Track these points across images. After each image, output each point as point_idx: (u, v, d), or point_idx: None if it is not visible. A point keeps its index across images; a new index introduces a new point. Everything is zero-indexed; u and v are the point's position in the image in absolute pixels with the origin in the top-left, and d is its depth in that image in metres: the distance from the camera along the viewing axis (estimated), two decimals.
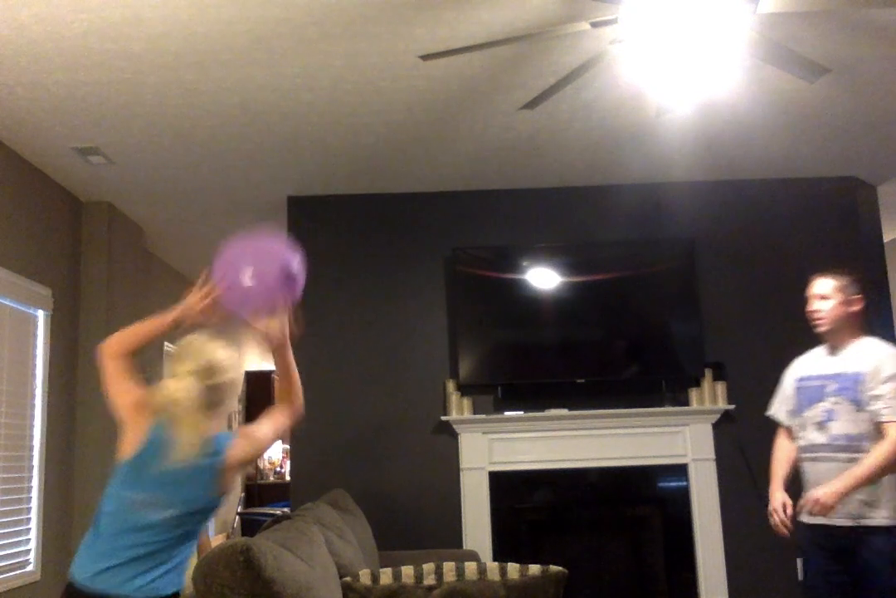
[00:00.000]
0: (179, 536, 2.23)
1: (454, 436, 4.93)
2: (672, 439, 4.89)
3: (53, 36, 3.25)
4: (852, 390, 2.88)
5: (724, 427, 4.91)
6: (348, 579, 2.66)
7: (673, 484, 4.90)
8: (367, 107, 3.98)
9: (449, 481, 4.90)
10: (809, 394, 3.00)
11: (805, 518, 3.00)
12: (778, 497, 3.11)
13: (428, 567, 2.70)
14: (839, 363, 2.98)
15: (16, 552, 4.30)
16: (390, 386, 5.02)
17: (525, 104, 3.55)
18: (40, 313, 4.65)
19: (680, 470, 4.89)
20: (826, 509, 2.76)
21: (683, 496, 4.87)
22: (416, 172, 4.92)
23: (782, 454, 3.22)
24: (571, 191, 5.23)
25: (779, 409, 3.27)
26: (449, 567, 2.69)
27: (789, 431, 3.22)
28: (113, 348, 2.49)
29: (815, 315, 3.01)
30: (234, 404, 2.46)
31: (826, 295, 3.00)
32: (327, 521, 3.20)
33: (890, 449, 2.79)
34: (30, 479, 4.46)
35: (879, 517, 2.84)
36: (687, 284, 4.98)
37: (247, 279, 2.41)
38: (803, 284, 5.06)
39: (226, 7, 3.09)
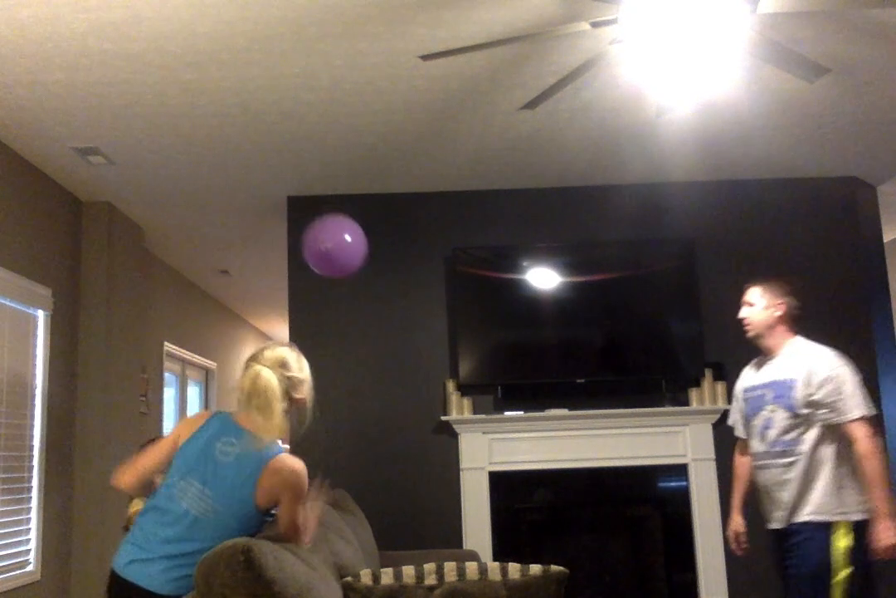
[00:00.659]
0: (214, 544, 2.26)
1: (454, 436, 4.93)
2: (672, 439, 4.89)
3: (53, 36, 3.25)
4: (786, 397, 2.93)
5: (724, 427, 4.88)
6: (349, 579, 2.66)
7: (673, 484, 4.90)
8: (367, 107, 3.98)
9: (449, 481, 4.90)
10: (753, 404, 3.06)
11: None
12: (732, 525, 3.25)
13: (429, 567, 2.70)
14: (773, 371, 3.04)
15: (16, 552, 4.30)
16: (390, 386, 5.02)
17: (525, 104, 3.55)
18: (40, 313, 4.65)
19: (680, 470, 4.89)
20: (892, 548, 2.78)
21: (683, 496, 4.87)
22: (415, 172, 4.92)
23: (740, 471, 3.29)
24: (571, 191, 5.23)
25: (736, 420, 3.32)
26: (450, 567, 2.69)
27: (745, 443, 3.26)
28: (125, 487, 2.53)
29: (743, 321, 3.11)
30: (306, 404, 2.56)
31: (751, 302, 3.10)
32: (327, 521, 3.20)
33: (869, 448, 2.84)
34: (30, 479, 4.46)
35: (804, 514, 2.94)
36: (687, 284, 4.98)
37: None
38: (803, 284, 5.08)
39: (226, 7, 3.09)
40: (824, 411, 2.89)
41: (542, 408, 4.91)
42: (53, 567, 4.63)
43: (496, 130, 4.32)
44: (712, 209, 5.19)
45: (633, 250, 5.06)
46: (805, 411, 2.91)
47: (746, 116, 4.22)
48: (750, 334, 3.08)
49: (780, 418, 2.93)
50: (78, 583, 4.79)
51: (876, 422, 2.93)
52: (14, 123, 4.04)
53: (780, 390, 2.95)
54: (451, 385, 4.92)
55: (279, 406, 2.48)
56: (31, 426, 4.52)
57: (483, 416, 4.87)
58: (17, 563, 4.29)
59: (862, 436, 2.84)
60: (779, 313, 3.07)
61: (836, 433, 2.90)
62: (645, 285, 4.99)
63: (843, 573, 2.82)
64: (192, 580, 2.18)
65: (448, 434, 4.94)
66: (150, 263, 6.43)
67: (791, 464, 2.91)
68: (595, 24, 2.83)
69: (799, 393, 2.91)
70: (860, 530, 2.85)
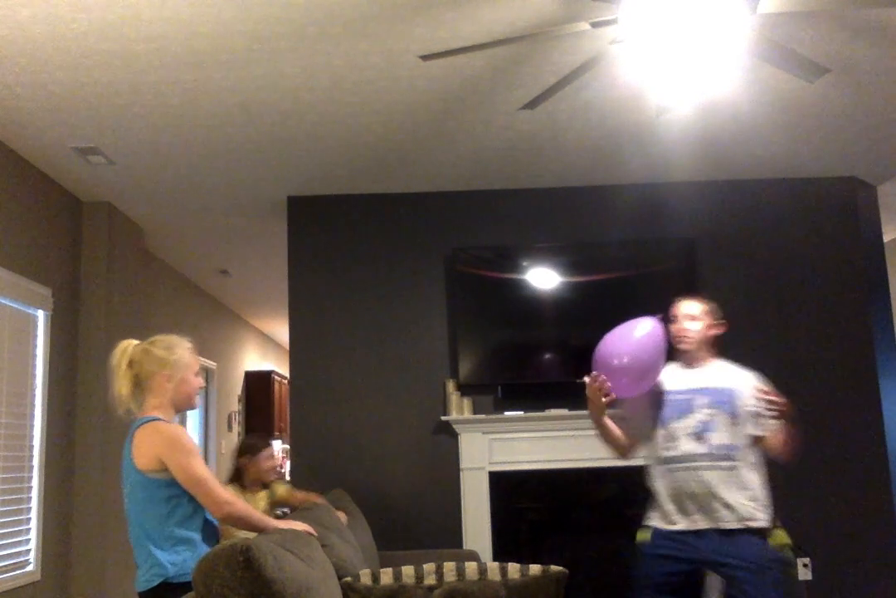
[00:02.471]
0: (138, 534, 2.53)
1: (454, 436, 4.93)
2: None
3: (53, 36, 3.25)
4: (728, 404, 3.05)
5: None
6: (349, 579, 2.66)
7: None
8: (367, 107, 3.99)
9: (449, 481, 4.90)
10: (676, 406, 3.12)
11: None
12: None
13: (428, 567, 2.70)
14: (703, 379, 3.12)
15: (16, 552, 4.30)
16: (390, 386, 5.02)
17: (525, 104, 3.55)
18: (40, 313, 4.65)
19: None
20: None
21: None
22: (415, 172, 4.92)
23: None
24: (571, 191, 5.23)
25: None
26: (449, 567, 2.69)
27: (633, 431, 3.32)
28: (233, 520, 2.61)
29: (683, 334, 3.16)
30: (167, 381, 2.68)
31: (695, 316, 3.17)
32: (327, 521, 3.20)
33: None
34: (30, 479, 4.46)
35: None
36: (687, 284, 4.98)
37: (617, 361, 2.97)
38: (803, 284, 5.09)
39: (226, 7, 3.09)
40: (764, 421, 3.03)
41: (542, 408, 4.91)
42: (53, 567, 4.63)
43: (496, 130, 4.32)
44: (712, 209, 5.19)
45: (633, 250, 5.06)
46: (759, 422, 3.06)
47: (746, 116, 4.22)
48: (687, 348, 3.16)
49: (722, 422, 3.04)
50: (78, 583, 4.80)
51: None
52: (14, 123, 4.04)
53: (720, 397, 3.07)
54: (451, 385, 4.92)
55: (124, 374, 2.65)
56: (31, 426, 4.52)
57: (483, 416, 4.87)
58: (17, 563, 4.29)
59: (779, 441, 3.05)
60: (718, 332, 3.20)
61: (758, 441, 3.08)
62: (645, 285, 4.99)
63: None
64: (139, 574, 2.50)
65: (448, 434, 4.94)
66: (150, 263, 6.44)
67: (735, 468, 3.02)
68: (595, 24, 2.83)
69: (742, 402, 3.05)
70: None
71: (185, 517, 2.52)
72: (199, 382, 2.73)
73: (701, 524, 3.03)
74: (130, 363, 2.66)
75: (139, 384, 2.66)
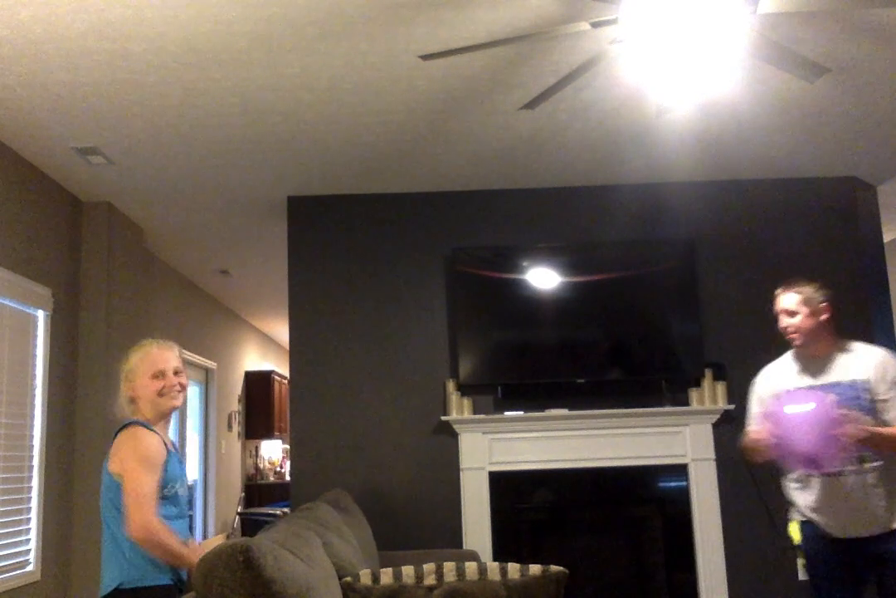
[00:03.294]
0: (105, 536, 2.59)
1: (454, 436, 4.93)
2: (672, 440, 4.89)
3: (53, 36, 3.25)
4: (860, 399, 2.84)
5: (724, 427, 4.91)
6: (349, 579, 2.66)
7: (673, 484, 4.90)
8: (367, 107, 3.99)
9: (449, 481, 4.90)
10: None
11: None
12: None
13: (428, 567, 2.70)
14: (830, 373, 2.94)
15: (16, 552, 4.30)
16: (390, 386, 5.02)
17: (525, 104, 3.55)
18: (40, 313, 4.65)
19: (680, 470, 4.89)
20: (855, 438, 2.72)
21: (683, 496, 4.87)
22: (415, 172, 4.92)
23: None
24: (571, 191, 5.23)
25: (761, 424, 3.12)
26: (449, 567, 2.69)
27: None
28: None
29: (788, 331, 3.00)
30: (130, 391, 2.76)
31: (793, 310, 2.99)
32: (327, 521, 3.20)
33: None
34: (30, 479, 4.46)
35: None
36: (687, 284, 4.98)
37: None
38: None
39: (226, 7, 3.09)
40: (894, 413, 2.81)
41: (542, 408, 4.91)
42: (53, 567, 4.63)
43: (496, 130, 4.32)
44: (712, 209, 5.20)
45: (633, 250, 5.06)
46: (884, 414, 2.83)
47: (746, 116, 4.22)
48: (797, 343, 2.97)
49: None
50: (78, 583, 4.80)
51: None
52: (14, 123, 4.04)
53: (850, 392, 2.85)
54: (451, 385, 4.92)
55: (121, 389, 2.76)
56: (31, 426, 4.52)
57: (483, 416, 4.87)
58: (17, 563, 4.29)
59: None
60: (825, 317, 2.98)
61: None
62: (645, 285, 4.99)
63: None
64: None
65: (448, 434, 4.94)
66: (150, 263, 6.44)
67: (876, 470, 2.82)
68: (595, 24, 2.83)
69: (873, 392, 2.84)
70: None
71: None
72: (159, 383, 2.73)
73: (860, 532, 2.87)
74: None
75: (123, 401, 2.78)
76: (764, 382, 3.20)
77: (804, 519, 3.06)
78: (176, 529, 2.58)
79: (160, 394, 2.72)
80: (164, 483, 2.59)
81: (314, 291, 5.13)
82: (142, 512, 2.47)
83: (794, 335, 2.98)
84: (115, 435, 2.65)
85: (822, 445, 2.70)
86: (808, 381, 2.97)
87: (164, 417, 2.74)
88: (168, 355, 2.79)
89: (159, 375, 2.74)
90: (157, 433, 2.66)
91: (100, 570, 2.59)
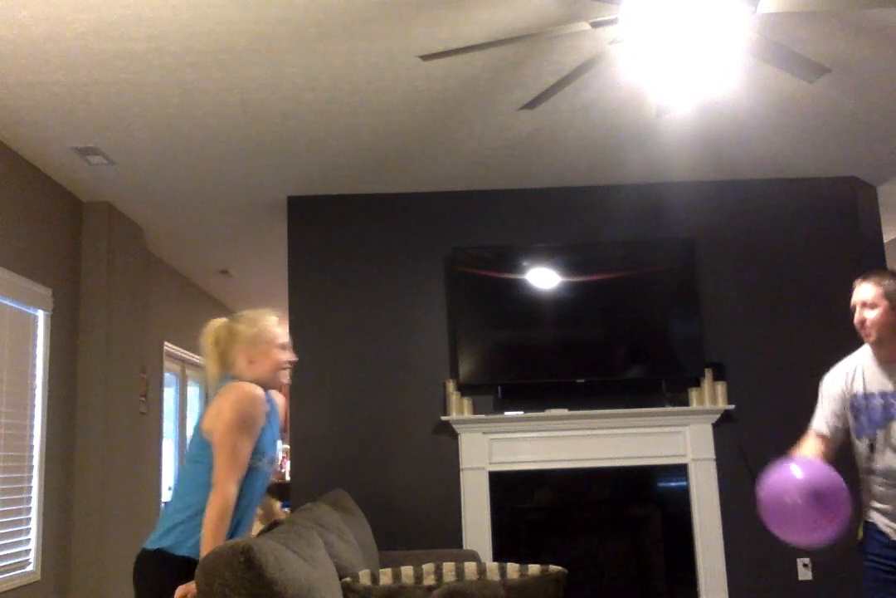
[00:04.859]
0: (174, 493, 2.49)
1: (454, 436, 4.93)
2: (672, 440, 4.89)
3: (53, 36, 3.25)
4: None
5: (724, 427, 4.92)
6: (348, 579, 2.66)
7: (673, 484, 4.90)
8: (367, 107, 3.98)
9: (449, 481, 4.90)
10: (875, 413, 2.70)
11: None
12: None
13: (427, 567, 2.70)
14: None
15: (16, 552, 4.30)
16: (390, 386, 5.02)
17: (525, 104, 3.55)
18: (40, 313, 4.65)
19: (680, 470, 4.89)
20: None
21: (683, 496, 4.87)
22: (416, 172, 4.92)
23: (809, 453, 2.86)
24: (571, 191, 5.23)
25: (829, 424, 2.83)
26: (448, 567, 2.69)
27: (829, 443, 2.83)
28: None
29: (862, 326, 2.72)
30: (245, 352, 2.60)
31: (871, 302, 2.70)
32: (327, 521, 3.20)
33: None
34: (30, 479, 4.46)
35: None
36: (687, 284, 4.98)
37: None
38: (803, 284, 5.09)
39: (226, 7, 3.09)
40: None
41: (542, 408, 4.91)
42: (53, 567, 4.63)
43: (496, 130, 4.32)
44: (712, 209, 5.20)
45: (633, 250, 5.06)
46: None
47: (746, 116, 4.22)
48: (871, 340, 2.71)
49: None
50: (78, 583, 4.80)
51: None
52: (14, 123, 4.04)
53: None
54: (451, 385, 4.92)
55: (210, 353, 2.60)
56: (31, 426, 4.52)
57: (483, 416, 4.87)
58: (17, 563, 4.29)
59: None
60: None
61: None
62: (645, 285, 4.99)
63: None
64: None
65: (448, 434, 4.94)
66: (150, 263, 6.44)
67: None
68: (595, 24, 2.83)
69: None
70: None
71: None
72: (285, 357, 2.60)
73: None
74: (216, 342, 2.58)
75: (224, 362, 2.57)
76: (837, 380, 2.88)
77: (869, 520, 2.84)
78: (238, 520, 2.41)
79: (282, 367, 2.59)
80: (252, 452, 2.44)
81: (314, 291, 5.13)
82: (224, 474, 2.34)
83: (867, 332, 2.70)
84: (218, 391, 2.49)
85: (822, 519, 2.44)
86: (879, 385, 2.71)
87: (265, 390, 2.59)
88: (286, 331, 2.68)
89: (285, 347, 2.62)
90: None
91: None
